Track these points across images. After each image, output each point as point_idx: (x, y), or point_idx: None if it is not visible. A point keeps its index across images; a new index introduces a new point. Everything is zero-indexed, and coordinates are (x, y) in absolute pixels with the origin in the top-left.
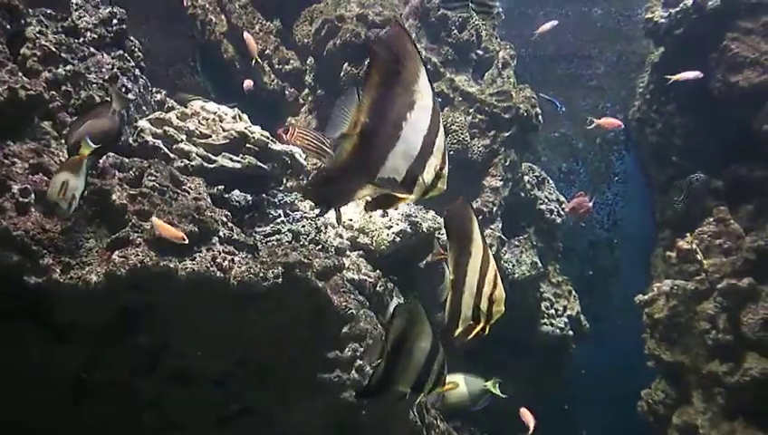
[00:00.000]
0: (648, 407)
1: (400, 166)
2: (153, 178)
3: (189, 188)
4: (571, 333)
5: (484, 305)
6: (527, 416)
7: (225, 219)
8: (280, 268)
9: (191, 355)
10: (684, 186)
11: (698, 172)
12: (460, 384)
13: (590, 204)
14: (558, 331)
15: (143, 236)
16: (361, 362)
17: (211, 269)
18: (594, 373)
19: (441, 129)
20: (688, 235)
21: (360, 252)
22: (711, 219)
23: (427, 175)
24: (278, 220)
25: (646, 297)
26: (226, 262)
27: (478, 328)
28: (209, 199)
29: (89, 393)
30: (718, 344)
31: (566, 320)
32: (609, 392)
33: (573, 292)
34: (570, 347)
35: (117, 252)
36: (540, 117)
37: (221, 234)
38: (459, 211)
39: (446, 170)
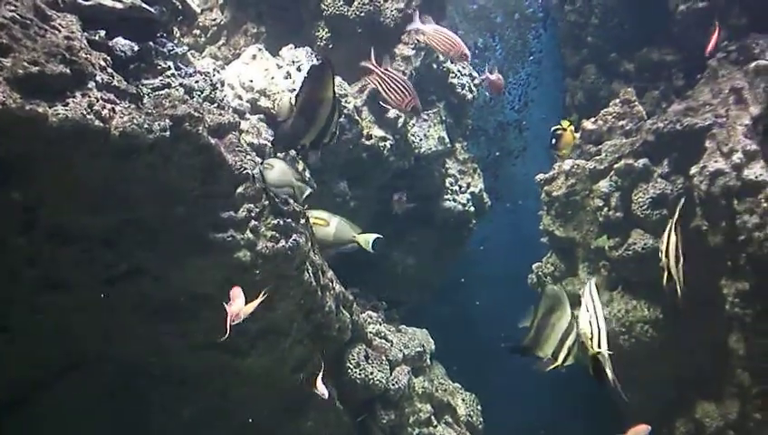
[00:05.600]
0: (537, 279)
1: None
2: (12, 7)
3: (60, 25)
4: (472, 209)
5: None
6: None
7: (103, 63)
8: (167, 121)
9: (72, 212)
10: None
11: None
12: (330, 225)
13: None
14: (460, 206)
15: (3, 75)
16: (256, 223)
17: (88, 117)
18: (493, 249)
19: None
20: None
21: (261, 116)
22: (617, 100)
23: None
24: (168, 73)
25: (546, 176)
26: (106, 110)
27: None
28: (85, 41)
29: None
30: (608, 221)
31: (469, 196)
32: (503, 268)
33: (478, 170)
34: (470, 223)
35: None
36: None
37: (98, 79)
38: None
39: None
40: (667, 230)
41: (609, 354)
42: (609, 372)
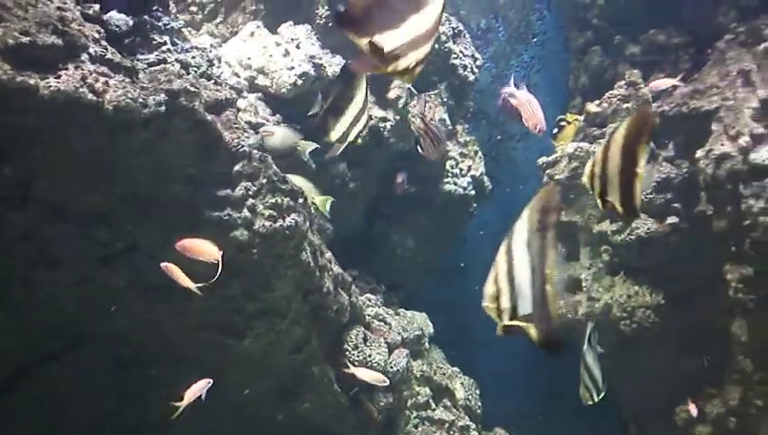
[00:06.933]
0: None
1: None
2: None
3: None
4: (473, 193)
5: None
6: None
7: (96, 36)
8: (163, 95)
9: (66, 188)
10: None
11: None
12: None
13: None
14: (461, 190)
15: None
16: (254, 202)
17: (81, 90)
18: (492, 234)
19: None
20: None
21: (259, 94)
22: (622, 82)
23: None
24: (163, 48)
25: (549, 159)
26: (99, 84)
27: None
28: (78, 13)
29: None
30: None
31: (469, 180)
32: None
33: (479, 153)
34: (471, 207)
35: None
36: None
37: (92, 51)
38: None
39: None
40: (605, 141)
41: (525, 319)
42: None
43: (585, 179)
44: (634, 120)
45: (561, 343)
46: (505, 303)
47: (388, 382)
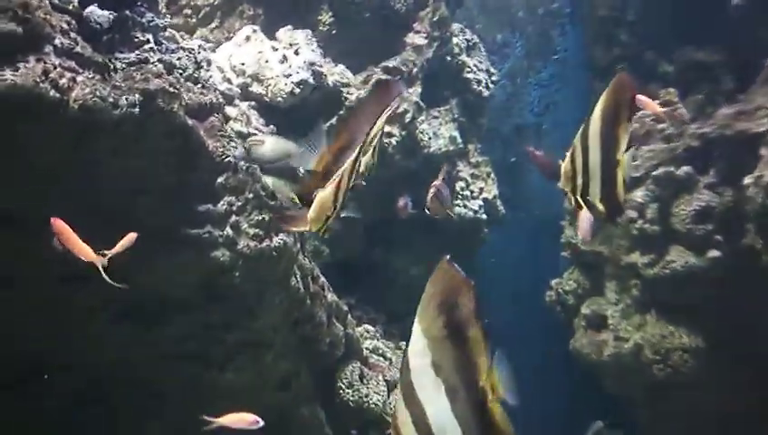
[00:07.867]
0: (557, 296)
1: None
2: None
3: None
4: (484, 217)
5: None
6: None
7: (65, 26)
8: (137, 95)
9: (20, 197)
10: None
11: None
12: None
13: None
14: (471, 213)
15: None
16: (238, 219)
17: (42, 86)
18: (505, 263)
19: None
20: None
21: (253, 102)
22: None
23: None
24: (146, 47)
25: None
26: (65, 80)
27: None
28: (47, 1)
29: None
30: (644, 235)
31: (481, 203)
32: (517, 283)
33: (492, 174)
34: (482, 232)
35: None
36: None
37: (57, 43)
38: None
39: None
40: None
41: None
42: None
43: (562, 181)
44: (609, 93)
45: None
46: None
47: None
